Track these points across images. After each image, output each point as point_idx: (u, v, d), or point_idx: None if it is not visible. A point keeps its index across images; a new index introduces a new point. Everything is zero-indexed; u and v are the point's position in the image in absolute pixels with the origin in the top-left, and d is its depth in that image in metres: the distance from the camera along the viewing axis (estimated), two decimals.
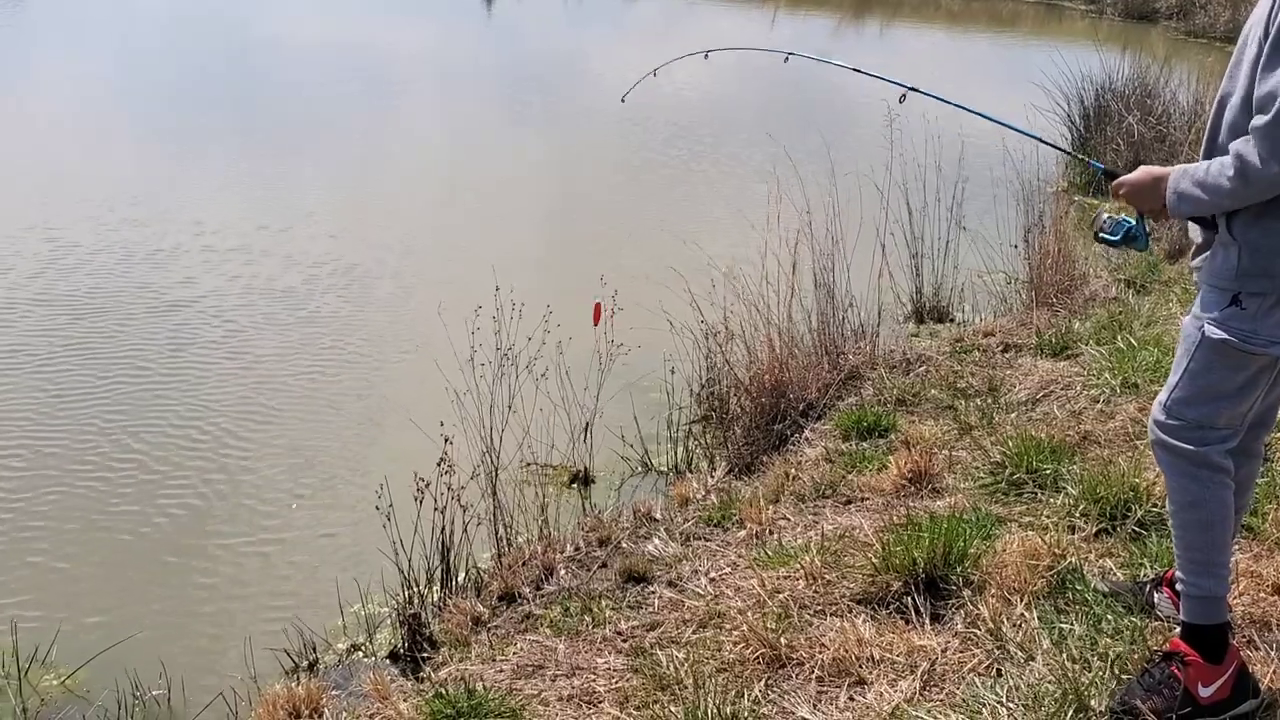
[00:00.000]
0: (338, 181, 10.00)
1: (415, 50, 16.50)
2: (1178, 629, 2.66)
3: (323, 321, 6.84)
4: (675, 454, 5.25)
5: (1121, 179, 2.69)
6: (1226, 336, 2.47)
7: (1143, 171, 2.66)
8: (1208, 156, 2.53)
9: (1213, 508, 2.55)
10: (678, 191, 9.56)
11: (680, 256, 6.03)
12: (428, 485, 3.80)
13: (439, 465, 3.79)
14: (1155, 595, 2.98)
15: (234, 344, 6.48)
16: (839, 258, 5.90)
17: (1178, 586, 2.63)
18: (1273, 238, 2.43)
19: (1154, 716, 2.52)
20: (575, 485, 4.78)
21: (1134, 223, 2.79)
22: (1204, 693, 2.54)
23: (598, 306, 4.71)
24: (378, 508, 3.80)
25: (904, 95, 3.41)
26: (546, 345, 4.43)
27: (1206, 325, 2.50)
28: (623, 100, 4.20)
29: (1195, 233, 2.63)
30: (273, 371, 6.14)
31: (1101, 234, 2.88)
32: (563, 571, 3.79)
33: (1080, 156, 2.78)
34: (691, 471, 5.00)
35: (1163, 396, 2.63)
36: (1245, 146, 2.35)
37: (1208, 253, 2.56)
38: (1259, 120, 2.33)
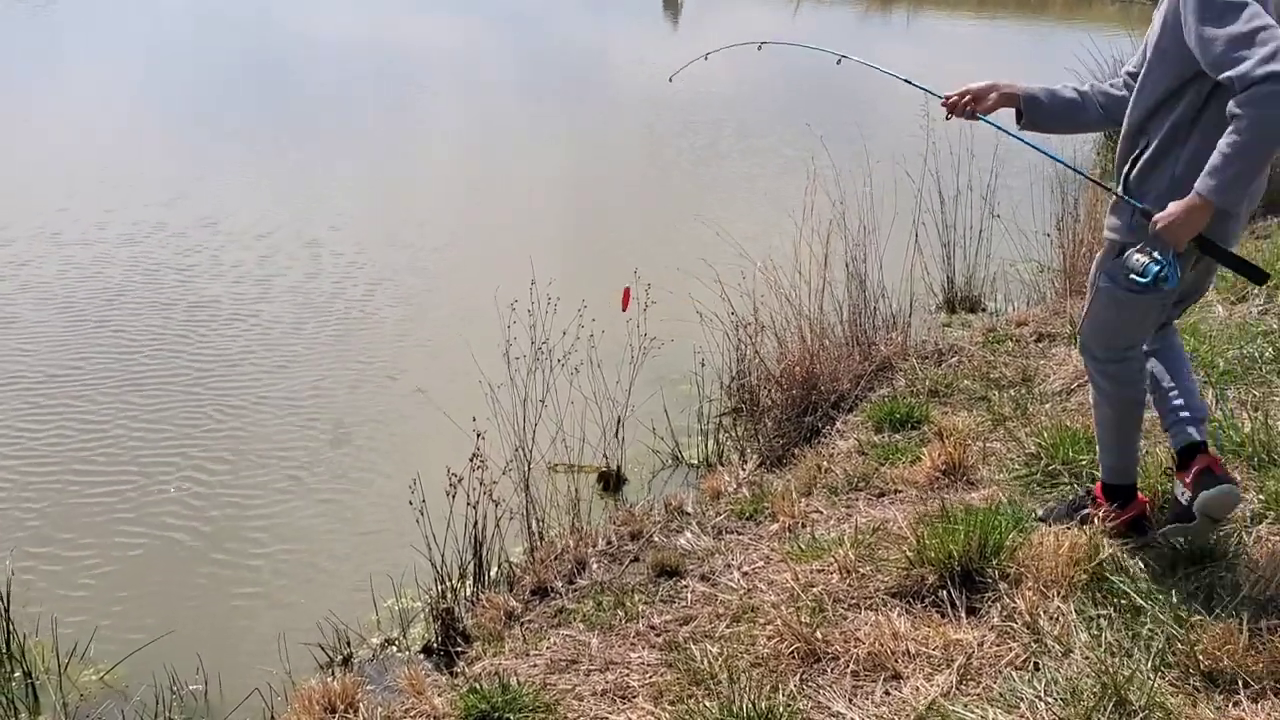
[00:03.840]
0: (367, 176, 10.07)
1: (444, 42, 16.54)
2: None
3: (355, 316, 6.87)
4: (706, 447, 5.24)
5: (1156, 218, 2.86)
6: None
7: (1175, 207, 2.82)
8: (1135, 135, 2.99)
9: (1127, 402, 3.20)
10: (710, 182, 9.56)
11: (712, 248, 6.01)
12: (460, 480, 3.80)
13: (471, 460, 3.80)
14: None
15: (267, 341, 6.53)
16: (871, 247, 5.87)
17: (1098, 455, 3.33)
18: None
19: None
20: (607, 479, 4.76)
21: (1162, 263, 2.85)
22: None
23: (626, 292, 4.70)
24: (411, 503, 3.82)
25: (949, 117, 3.39)
26: (580, 339, 4.42)
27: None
28: (670, 80, 4.17)
29: None
30: (308, 369, 6.18)
31: (1132, 277, 2.93)
32: (595, 565, 3.79)
33: (1117, 193, 2.66)
34: (722, 464, 4.99)
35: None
36: (1241, 100, 2.62)
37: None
38: (1232, 71, 2.63)
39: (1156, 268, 2.85)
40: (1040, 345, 5.27)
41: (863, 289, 5.83)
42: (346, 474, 5.10)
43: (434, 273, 7.60)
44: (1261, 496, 3.47)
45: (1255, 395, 4.24)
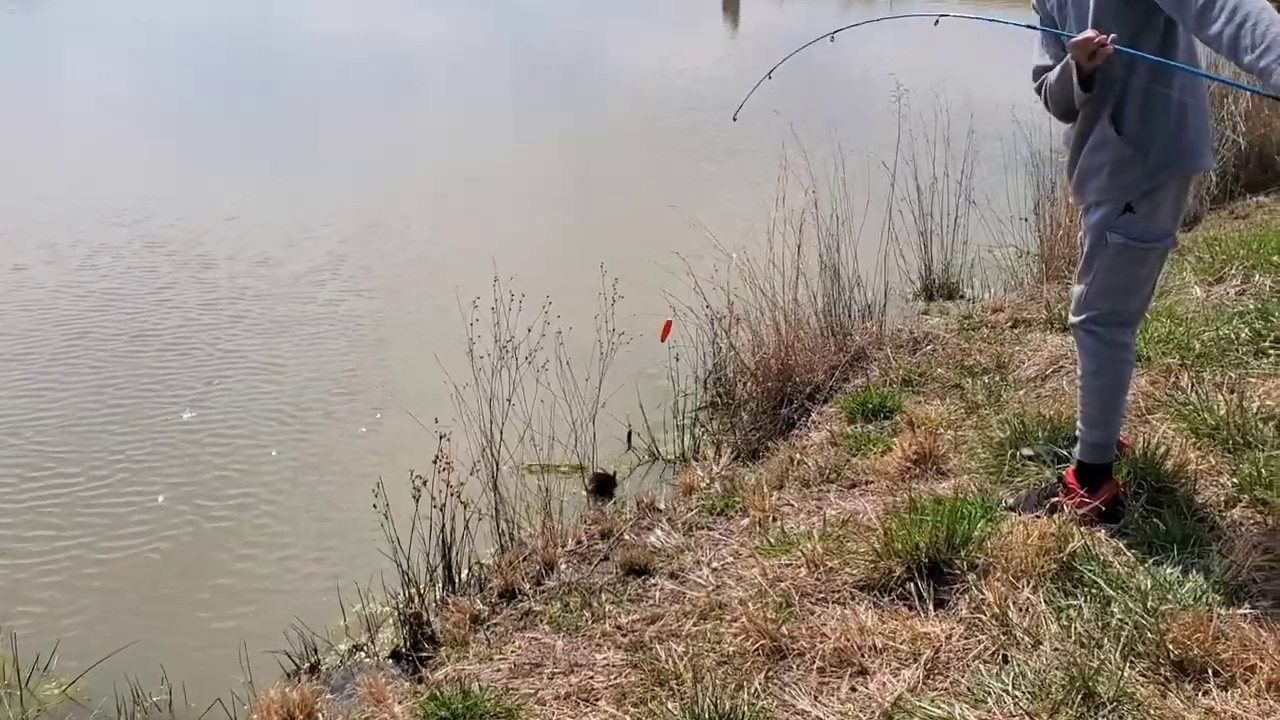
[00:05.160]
0: (335, 171, 9.97)
1: (429, 37, 16.45)
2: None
3: (318, 316, 6.77)
4: (682, 442, 5.18)
5: None
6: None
7: None
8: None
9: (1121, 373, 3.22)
10: (685, 174, 9.48)
11: (686, 240, 5.95)
12: (424, 483, 3.74)
13: (435, 462, 3.74)
14: None
15: (227, 339, 6.43)
16: (845, 237, 5.82)
17: (1078, 434, 3.28)
18: None
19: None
20: (579, 478, 4.70)
21: None
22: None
23: (668, 325, 4.75)
24: (375, 506, 3.75)
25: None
26: (546, 336, 4.36)
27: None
28: (734, 119, 3.96)
29: None
30: (268, 371, 6.08)
31: None
32: (564, 566, 3.74)
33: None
34: (698, 459, 4.93)
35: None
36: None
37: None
38: None
39: None
40: (1016, 331, 5.22)
41: (837, 279, 5.78)
42: (313, 478, 5.02)
43: (401, 269, 7.50)
44: (1235, 480, 3.43)
45: (1231, 377, 4.19)
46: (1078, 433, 3.31)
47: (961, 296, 6.54)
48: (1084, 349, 3.24)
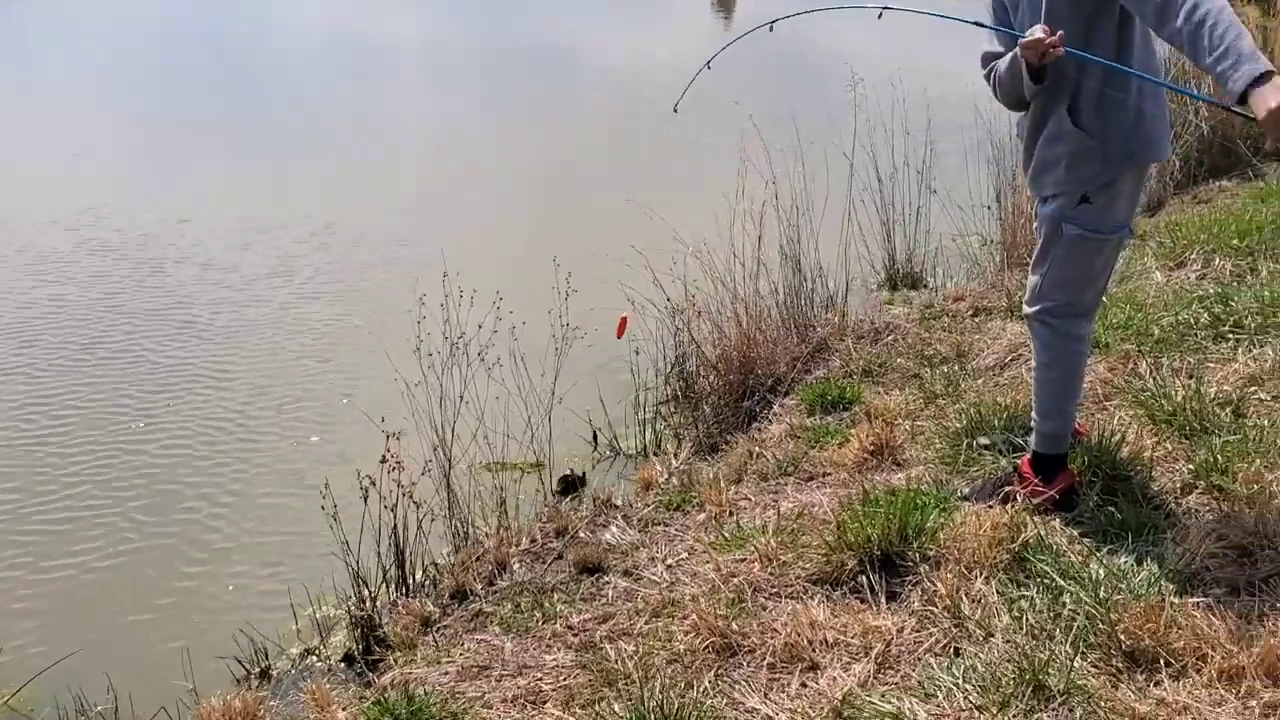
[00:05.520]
0: (291, 171, 9.83)
1: (403, 29, 16.31)
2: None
3: (271, 321, 6.62)
4: (643, 436, 5.14)
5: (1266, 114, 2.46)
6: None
7: (1273, 90, 2.43)
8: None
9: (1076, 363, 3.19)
10: (647, 167, 9.39)
11: (646, 233, 5.89)
12: (373, 483, 3.68)
13: (382, 463, 3.67)
14: None
15: (176, 347, 6.29)
16: (806, 228, 5.78)
17: (1033, 425, 3.24)
18: None
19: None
20: (536, 475, 4.63)
21: None
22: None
23: (623, 321, 4.69)
24: (323, 508, 3.69)
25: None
26: (499, 333, 4.29)
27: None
28: (675, 109, 3.84)
29: None
30: (219, 378, 5.94)
31: None
32: (517, 565, 3.68)
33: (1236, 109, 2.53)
34: (658, 454, 4.88)
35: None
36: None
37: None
38: None
39: None
40: (976, 320, 5.19)
41: (799, 270, 5.74)
42: (269, 485, 4.92)
43: (357, 272, 7.34)
44: (1191, 466, 3.40)
45: (1189, 362, 4.17)
46: (1033, 423, 3.27)
47: (925, 285, 6.51)
48: (1038, 340, 3.20)
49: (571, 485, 4.62)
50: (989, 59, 3.12)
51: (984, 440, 3.77)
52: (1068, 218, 3.02)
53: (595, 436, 5.08)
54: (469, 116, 11.61)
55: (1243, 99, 2.48)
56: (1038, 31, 2.81)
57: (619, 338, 4.80)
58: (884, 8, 3.22)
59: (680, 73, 3.53)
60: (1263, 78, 2.45)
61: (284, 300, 6.92)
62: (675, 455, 4.63)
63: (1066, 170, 3.00)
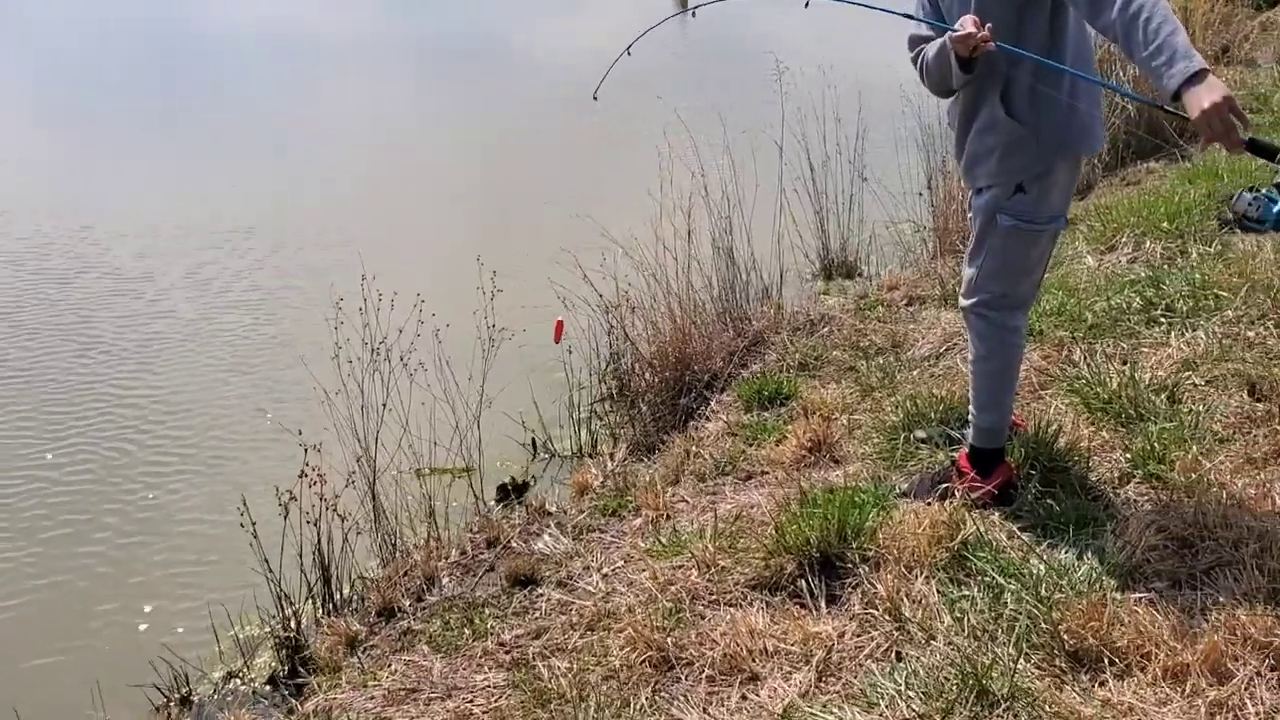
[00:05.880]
0: (206, 171, 9.49)
1: (324, 23, 15.93)
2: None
3: (183, 334, 6.33)
4: (579, 437, 5.03)
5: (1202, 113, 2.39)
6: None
7: (1207, 90, 2.38)
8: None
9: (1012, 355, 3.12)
10: (564, 162, 9.18)
11: (574, 228, 5.77)
12: (293, 498, 3.53)
13: (302, 477, 3.52)
14: None
15: (82, 367, 6.00)
16: (738, 219, 5.70)
17: (970, 419, 3.18)
18: None
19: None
20: (467, 481, 4.47)
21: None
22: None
23: (559, 324, 4.58)
24: (242, 525, 3.53)
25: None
26: (422, 336, 4.14)
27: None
28: (594, 97, 3.67)
29: None
30: (124, 389, 5.69)
31: (1247, 221, 2.53)
32: (446, 579, 3.55)
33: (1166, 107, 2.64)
34: (594, 456, 4.77)
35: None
36: None
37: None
38: None
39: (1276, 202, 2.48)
40: (910, 310, 5.14)
41: (732, 262, 5.66)
42: (182, 503, 4.71)
43: (274, 279, 7.06)
44: (1129, 455, 3.36)
45: (1123, 348, 4.15)
46: (970, 417, 3.21)
47: (860, 274, 6.46)
48: (974, 333, 3.13)
49: (509, 493, 4.49)
50: (916, 42, 3.03)
51: (921, 434, 3.71)
52: (1002, 208, 2.95)
53: (534, 443, 4.95)
54: (400, 115, 11.32)
55: (1176, 96, 2.44)
56: (969, 24, 2.74)
57: (556, 342, 4.69)
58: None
59: (626, 61, 3.37)
60: (1196, 76, 2.40)
61: (199, 311, 6.61)
62: (611, 457, 4.53)
63: (1000, 161, 2.93)
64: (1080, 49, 2.89)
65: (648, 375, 5.20)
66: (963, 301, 3.15)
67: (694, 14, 3.37)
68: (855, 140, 6.35)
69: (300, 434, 3.63)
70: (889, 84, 6.43)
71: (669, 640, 2.80)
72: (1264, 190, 2.57)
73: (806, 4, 3.17)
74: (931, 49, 2.94)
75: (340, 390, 3.91)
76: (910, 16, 3.05)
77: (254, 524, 3.48)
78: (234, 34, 15.77)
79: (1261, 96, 7.73)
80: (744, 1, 3.61)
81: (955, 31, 2.77)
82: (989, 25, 2.74)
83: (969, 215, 3.18)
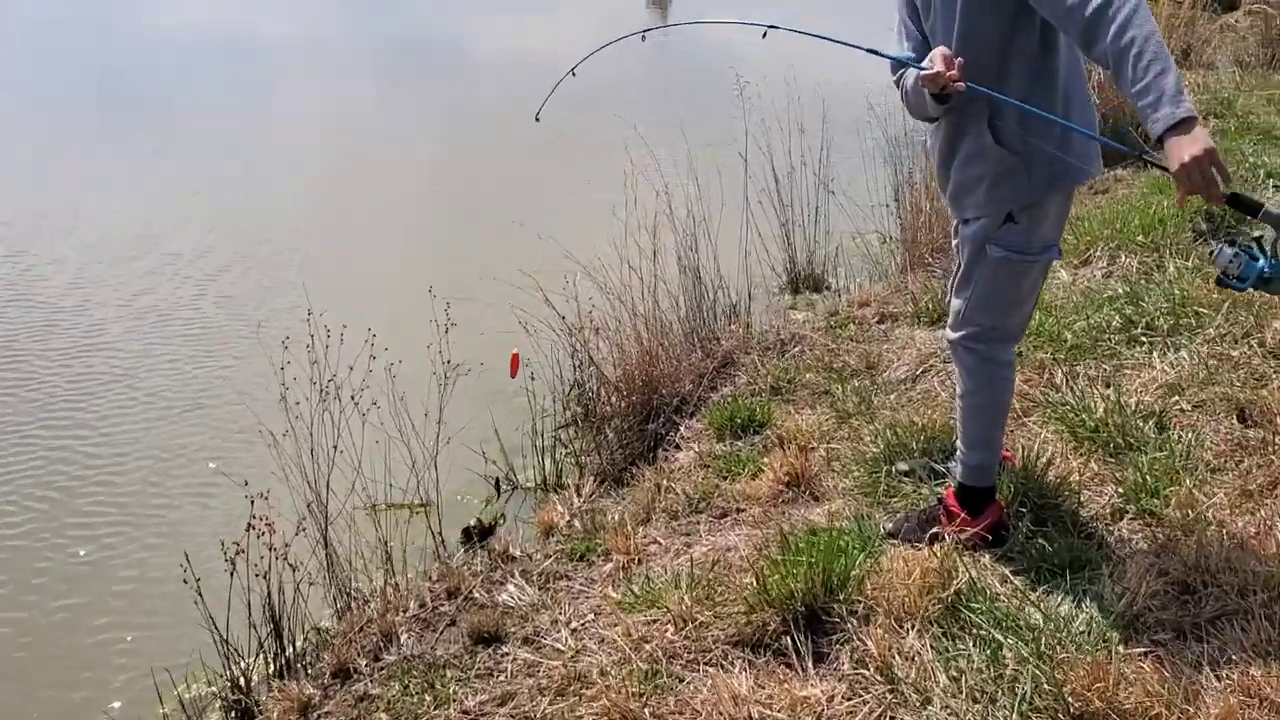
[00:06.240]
0: (142, 187, 9.06)
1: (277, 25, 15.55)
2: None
3: (122, 373, 5.88)
4: (543, 466, 4.81)
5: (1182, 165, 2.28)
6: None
7: (1190, 141, 2.27)
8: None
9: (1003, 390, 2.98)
10: (524, 184, 8.86)
11: (535, 249, 5.56)
12: (240, 551, 3.30)
13: (249, 529, 3.29)
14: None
15: (9, 414, 5.55)
16: (704, 236, 5.51)
17: (958, 456, 3.04)
18: None
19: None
20: (424, 519, 4.23)
21: (1265, 259, 2.35)
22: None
23: (515, 357, 4.46)
24: (185, 582, 3.29)
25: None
26: (374, 373, 3.91)
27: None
28: (537, 119, 3.43)
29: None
30: (55, 434, 5.28)
31: (1225, 279, 2.40)
32: (404, 636, 3.32)
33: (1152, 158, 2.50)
34: (560, 489, 4.56)
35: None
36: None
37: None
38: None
39: (1258, 264, 2.35)
40: (883, 328, 4.99)
41: (699, 280, 5.48)
42: (119, 552, 4.41)
43: (217, 313, 6.59)
44: (1120, 490, 3.22)
45: (1105, 369, 4.02)
46: (958, 454, 3.05)
47: (828, 287, 6.30)
48: (962, 367, 2.97)
49: (472, 537, 4.27)
50: (899, 66, 2.85)
51: (903, 466, 3.55)
52: (991, 239, 2.79)
53: (496, 482, 4.73)
54: (349, 129, 10.91)
55: (1160, 140, 2.31)
56: (938, 61, 2.55)
57: (513, 377, 4.48)
58: (770, 27, 2.92)
59: (584, 75, 3.16)
60: (1181, 125, 2.28)
61: (135, 348, 6.17)
62: (578, 491, 4.32)
63: (988, 191, 2.76)
64: (1072, 70, 2.73)
65: (614, 399, 5.01)
66: (950, 334, 2.98)
67: (643, 38, 3.18)
68: (820, 151, 6.19)
69: (246, 485, 3.40)
70: (854, 96, 6.30)
71: (646, 710, 2.61)
72: (1241, 243, 2.43)
73: (764, 34, 2.98)
74: (910, 76, 2.76)
75: (288, 432, 3.67)
76: (874, 52, 2.84)
77: (198, 580, 3.25)
78: (169, 39, 15.31)
79: (1225, 101, 7.66)
80: (708, 27, 3.41)
81: (923, 70, 2.59)
82: (959, 61, 2.56)
83: (954, 242, 3.01)
